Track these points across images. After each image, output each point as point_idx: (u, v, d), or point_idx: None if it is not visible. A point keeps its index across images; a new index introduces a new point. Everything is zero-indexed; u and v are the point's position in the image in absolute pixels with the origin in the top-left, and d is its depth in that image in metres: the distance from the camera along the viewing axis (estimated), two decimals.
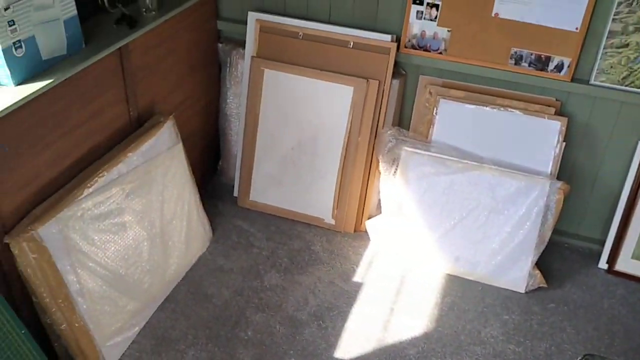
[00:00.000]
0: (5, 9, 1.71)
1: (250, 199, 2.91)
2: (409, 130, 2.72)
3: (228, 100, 2.90)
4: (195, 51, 2.69)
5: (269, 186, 2.88)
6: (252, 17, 2.68)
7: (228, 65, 2.84)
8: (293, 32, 2.64)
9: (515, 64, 2.47)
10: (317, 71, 2.63)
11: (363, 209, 2.81)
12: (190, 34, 2.62)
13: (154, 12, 2.32)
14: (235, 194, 2.97)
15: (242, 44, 2.78)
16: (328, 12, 2.65)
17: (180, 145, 2.48)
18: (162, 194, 2.38)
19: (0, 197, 1.79)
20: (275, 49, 2.69)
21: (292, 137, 2.77)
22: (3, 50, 1.74)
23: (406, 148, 2.59)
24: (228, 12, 2.79)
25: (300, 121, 2.73)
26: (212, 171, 3.11)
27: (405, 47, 2.58)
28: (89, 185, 2.04)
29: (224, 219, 2.86)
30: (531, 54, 2.44)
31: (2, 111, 1.67)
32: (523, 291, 2.54)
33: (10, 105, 1.70)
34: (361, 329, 2.36)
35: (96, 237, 2.08)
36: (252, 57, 2.71)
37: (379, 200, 2.78)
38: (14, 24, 1.75)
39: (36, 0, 1.81)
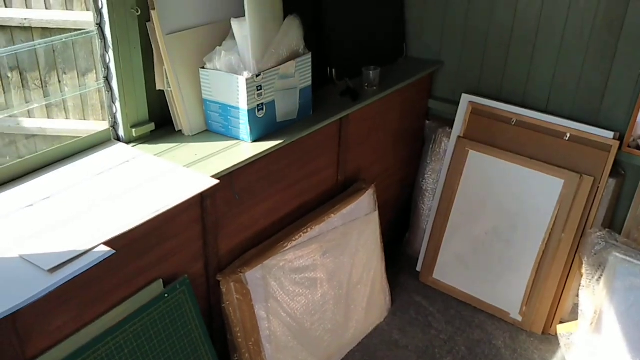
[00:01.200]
0: (257, 76, 1.95)
1: (433, 276, 2.87)
2: (621, 234, 2.49)
3: (426, 175, 2.94)
4: (403, 126, 2.80)
5: (454, 267, 2.81)
6: (466, 99, 2.71)
7: (432, 141, 2.89)
8: (506, 117, 2.62)
9: None
10: (526, 159, 2.55)
11: (556, 310, 2.60)
12: (402, 110, 2.73)
13: (374, 88, 2.47)
14: (419, 268, 2.96)
15: (449, 123, 2.81)
16: (546, 101, 2.58)
17: (376, 213, 2.56)
18: (353, 258, 2.45)
19: (222, 238, 1.99)
20: (484, 132, 2.68)
21: (488, 222, 2.70)
22: (248, 111, 1.97)
23: (616, 254, 2.36)
24: (441, 92, 2.87)
25: (499, 207, 2.66)
26: (398, 242, 3.14)
27: (629, 146, 2.40)
28: (294, 238, 2.18)
29: (404, 292, 2.85)
30: None
31: (240, 163, 1.88)
32: None
33: (247, 159, 1.91)
34: None
35: (291, 289, 2.20)
36: (459, 137, 2.73)
37: (575, 305, 2.56)
38: (261, 89, 1.99)
39: (281, 70, 2.04)
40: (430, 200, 2.94)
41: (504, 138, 2.62)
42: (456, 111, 2.75)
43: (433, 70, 2.79)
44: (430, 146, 2.91)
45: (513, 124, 2.60)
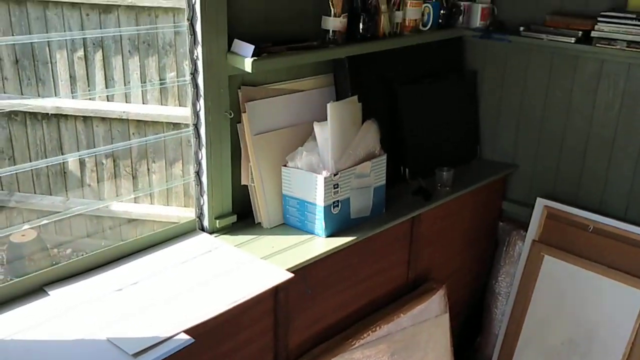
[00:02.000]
0: (335, 175, 2.05)
1: None
2: None
3: (499, 278, 2.88)
4: (475, 226, 2.79)
5: None
6: (540, 202, 2.70)
7: (505, 244, 2.86)
8: (583, 223, 2.57)
9: None
10: (605, 268, 2.47)
11: None
12: (475, 211, 2.75)
13: (447, 188, 2.51)
14: None
15: (523, 226, 2.79)
16: (624, 209, 2.53)
17: (447, 315, 2.52)
18: None
19: (292, 331, 2.02)
20: (560, 237, 2.63)
21: (564, 332, 2.58)
22: (324, 207, 2.05)
23: None
24: (516, 195, 2.87)
25: (575, 316, 2.55)
26: (468, 345, 3.04)
27: None
28: (362, 337, 2.17)
29: None
30: None
31: (314, 257, 1.95)
32: None
33: (321, 254, 1.97)
34: None
35: None
36: (533, 240, 2.69)
37: None
38: (337, 187, 2.08)
39: (358, 170, 2.14)
40: (504, 304, 2.86)
41: (581, 244, 2.56)
42: (531, 214, 2.73)
43: (507, 173, 2.81)
44: (504, 248, 2.87)
45: (590, 230, 2.55)
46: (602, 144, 2.54)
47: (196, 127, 1.94)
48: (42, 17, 3.79)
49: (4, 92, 3.93)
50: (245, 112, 2.01)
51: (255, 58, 1.83)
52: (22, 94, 3.95)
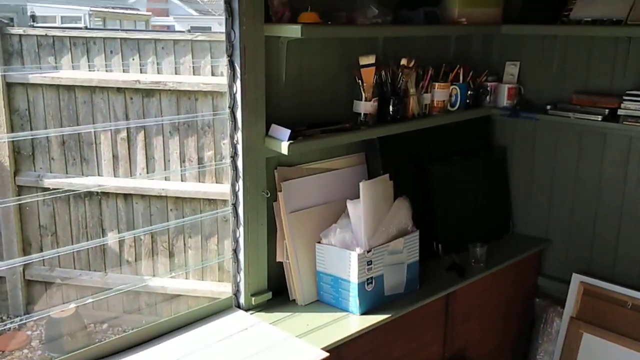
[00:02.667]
0: (368, 252, 2.09)
1: None
2: None
3: (538, 357, 2.80)
4: (511, 303, 2.76)
5: None
6: (576, 278, 2.66)
7: (543, 321, 2.80)
8: (621, 300, 2.52)
9: None
10: None
11: None
12: (510, 287, 2.72)
13: (481, 264, 2.51)
14: None
15: (560, 302, 2.74)
16: None
17: None
18: None
19: None
20: (598, 314, 2.57)
21: None
22: (358, 284, 2.08)
23: None
24: (551, 270, 2.84)
25: None
26: None
27: None
28: None
29: None
30: None
31: (348, 336, 1.95)
32: None
33: (355, 332, 1.98)
34: None
35: None
36: (571, 317, 2.64)
37: None
38: (371, 264, 2.11)
39: (391, 246, 2.17)
40: None
41: (620, 322, 2.50)
42: (567, 290, 2.69)
43: (541, 248, 2.80)
44: (541, 325, 2.81)
45: (629, 307, 2.49)
46: (635, 218, 2.53)
47: (235, 206, 2.02)
48: (89, 102, 4.05)
49: (50, 172, 4.15)
50: (281, 191, 2.09)
51: (291, 141, 1.93)
52: (67, 173, 4.16)
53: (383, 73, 2.27)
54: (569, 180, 2.71)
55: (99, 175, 4.09)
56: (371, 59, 2.18)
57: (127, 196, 4.09)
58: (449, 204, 2.61)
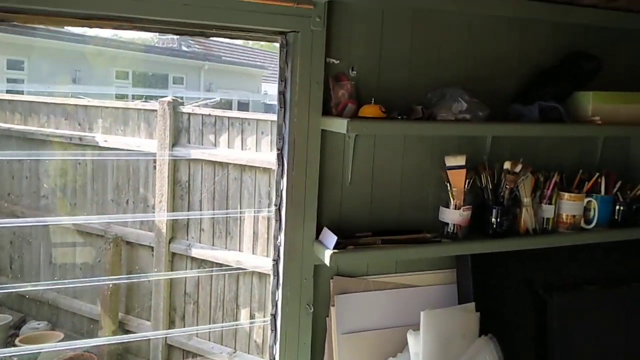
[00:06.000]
0: None
1: None
2: None
3: None
4: None
5: None
6: None
7: None
8: None
9: None
10: None
11: None
12: None
13: None
14: None
15: None
16: None
17: None
18: None
19: None
20: None
21: None
22: None
23: None
24: None
25: None
26: None
27: None
28: None
29: None
30: None
31: None
32: None
33: None
34: None
35: None
36: None
37: None
38: None
39: None
40: None
41: None
42: None
43: None
44: None
45: None
46: None
47: (274, 317, 1.77)
48: (238, 178, 4.21)
49: (199, 242, 4.35)
50: (334, 305, 1.78)
51: (334, 251, 1.63)
52: (213, 245, 4.32)
53: (483, 177, 1.87)
54: None
55: (239, 250, 4.17)
56: (460, 160, 1.80)
57: (261, 275, 4.09)
58: (576, 352, 1.99)
